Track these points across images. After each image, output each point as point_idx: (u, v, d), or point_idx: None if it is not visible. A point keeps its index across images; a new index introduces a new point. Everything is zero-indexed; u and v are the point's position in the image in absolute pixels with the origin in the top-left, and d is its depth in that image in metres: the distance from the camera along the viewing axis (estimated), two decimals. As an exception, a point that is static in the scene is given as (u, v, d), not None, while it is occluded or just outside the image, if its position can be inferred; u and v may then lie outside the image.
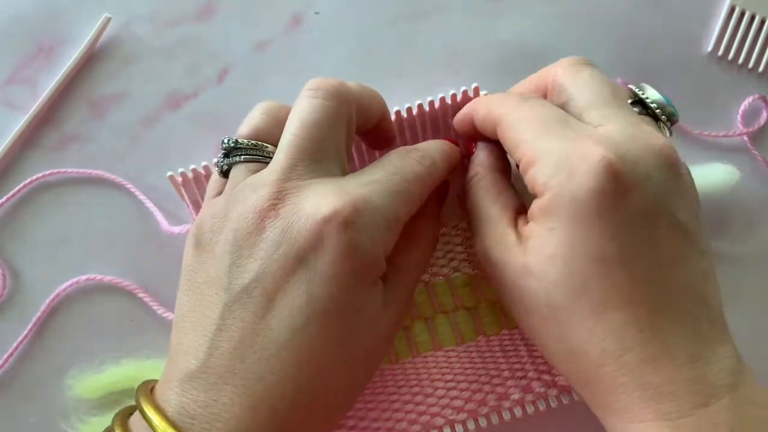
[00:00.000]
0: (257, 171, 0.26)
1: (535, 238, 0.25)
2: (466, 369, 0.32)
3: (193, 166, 0.33)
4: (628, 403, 0.24)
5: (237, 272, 0.24)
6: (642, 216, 0.24)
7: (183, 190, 0.33)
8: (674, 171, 0.25)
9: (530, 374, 0.32)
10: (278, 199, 0.24)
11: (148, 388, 0.25)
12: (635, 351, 0.24)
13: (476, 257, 0.32)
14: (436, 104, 0.33)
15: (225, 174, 0.28)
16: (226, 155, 0.28)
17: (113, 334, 0.35)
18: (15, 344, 0.35)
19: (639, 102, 0.28)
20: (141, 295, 0.35)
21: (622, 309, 0.24)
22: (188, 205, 0.34)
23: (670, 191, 0.25)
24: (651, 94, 0.28)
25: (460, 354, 0.32)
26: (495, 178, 0.29)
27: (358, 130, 0.29)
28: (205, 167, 0.33)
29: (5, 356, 0.35)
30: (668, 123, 0.28)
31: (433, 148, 0.29)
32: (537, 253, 0.25)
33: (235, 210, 0.25)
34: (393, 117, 0.33)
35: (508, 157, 0.31)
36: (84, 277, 0.35)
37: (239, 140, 0.27)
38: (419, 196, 0.27)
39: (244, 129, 0.28)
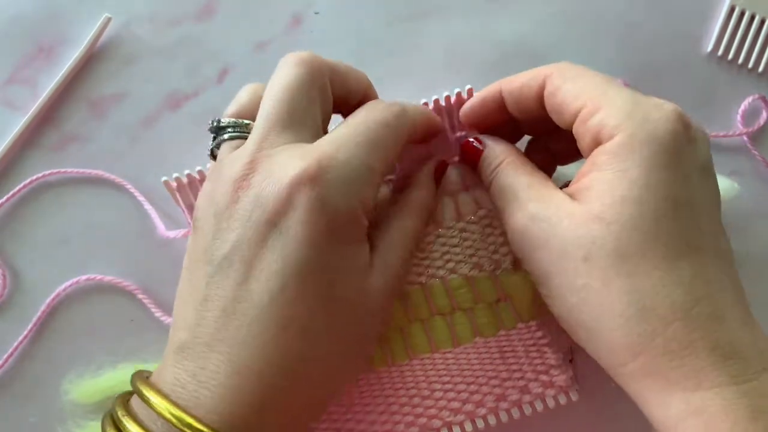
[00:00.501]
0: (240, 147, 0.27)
1: (602, 183, 0.25)
2: (463, 371, 0.32)
3: (187, 171, 0.33)
4: (694, 367, 0.23)
5: (217, 244, 0.25)
6: (702, 168, 0.25)
7: (178, 195, 0.33)
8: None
9: (528, 375, 0.32)
10: (250, 168, 0.25)
11: (144, 374, 0.26)
12: (703, 305, 0.23)
13: (472, 258, 0.32)
14: (430, 105, 0.33)
15: (216, 157, 0.29)
16: (214, 138, 0.29)
17: (113, 334, 0.35)
18: (15, 344, 0.35)
19: None
20: (140, 296, 0.35)
21: (690, 257, 0.23)
22: (183, 210, 0.34)
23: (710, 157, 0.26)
24: None
25: (457, 356, 0.32)
26: (524, 160, 0.29)
27: (343, 106, 0.29)
28: (200, 172, 0.33)
29: (5, 356, 0.35)
30: None
31: (406, 101, 0.29)
32: (605, 197, 0.24)
33: (217, 187, 0.26)
34: None
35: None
36: (84, 277, 0.35)
37: (222, 119, 0.28)
38: (390, 144, 0.27)
39: (228, 109, 0.29)
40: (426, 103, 0.33)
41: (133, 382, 0.25)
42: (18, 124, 0.37)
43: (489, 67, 0.37)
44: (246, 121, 0.28)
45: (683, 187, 0.24)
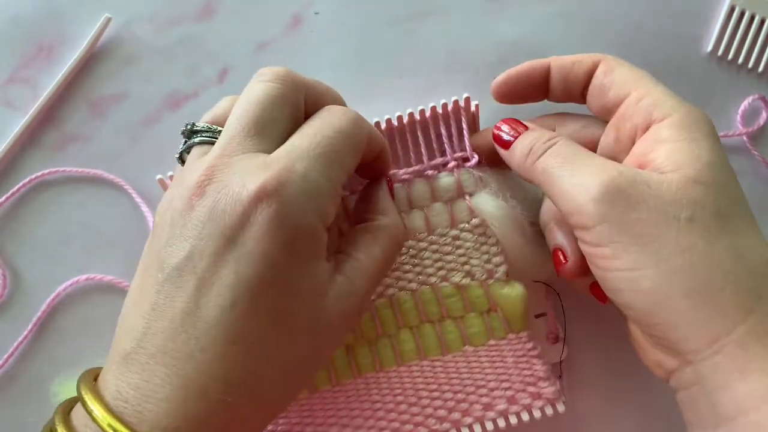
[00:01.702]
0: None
1: (682, 151, 0.26)
2: (451, 379, 0.32)
3: None
4: None
5: (169, 251, 0.24)
6: None
7: None
8: None
9: (516, 386, 0.31)
10: (208, 176, 0.24)
11: (92, 376, 0.25)
12: None
13: (465, 267, 0.32)
14: (427, 112, 0.33)
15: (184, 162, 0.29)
16: (185, 142, 0.28)
17: (113, 334, 0.35)
18: (15, 344, 0.35)
19: None
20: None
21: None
22: None
23: None
24: None
25: (446, 363, 0.32)
26: (579, 146, 0.29)
27: None
28: None
29: (5, 356, 0.35)
30: None
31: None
32: (694, 163, 0.26)
33: (176, 192, 0.25)
34: (384, 125, 0.33)
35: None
36: (84, 277, 0.35)
37: (196, 124, 0.28)
38: (349, 153, 0.26)
39: (205, 116, 0.28)
40: (423, 110, 0.33)
41: (78, 386, 0.24)
42: (18, 124, 0.37)
43: (489, 66, 0.37)
44: (219, 128, 0.27)
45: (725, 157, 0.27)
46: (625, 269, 0.25)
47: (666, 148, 0.26)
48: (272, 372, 0.24)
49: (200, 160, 0.26)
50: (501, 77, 0.32)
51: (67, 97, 0.37)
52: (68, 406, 0.25)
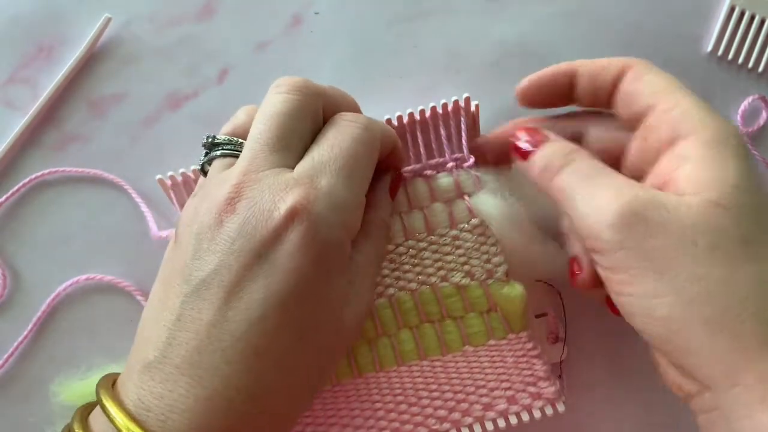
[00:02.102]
0: (232, 166, 0.27)
1: (708, 172, 0.25)
2: (451, 379, 0.32)
3: (182, 170, 0.33)
4: None
5: (197, 264, 0.24)
6: None
7: (172, 193, 0.33)
8: None
9: (516, 386, 0.31)
10: (237, 193, 0.25)
11: (110, 381, 0.25)
12: None
13: (464, 267, 0.32)
14: (427, 113, 0.33)
15: (206, 173, 0.29)
16: (206, 153, 0.29)
17: (113, 334, 0.35)
18: (15, 344, 0.35)
19: None
20: (139, 297, 0.35)
21: None
22: (177, 208, 0.34)
23: None
24: None
25: (446, 363, 0.32)
26: (599, 162, 0.27)
27: None
28: (195, 171, 0.33)
29: (5, 356, 0.35)
30: None
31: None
32: (719, 186, 0.24)
33: (203, 205, 0.26)
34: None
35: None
36: (84, 277, 0.35)
37: (217, 136, 0.28)
38: (367, 162, 0.27)
39: (224, 128, 0.29)
40: (423, 110, 0.33)
41: (98, 393, 0.24)
42: (18, 124, 0.37)
43: (489, 67, 0.37)
44: (240, 141, 0.28)
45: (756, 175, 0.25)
46: (641, 296, 0.25)
47: (690, 168, 0.25)
48: (295, 382, 0.25)
49: (225, 174, 0.26)
50: (524, 83, 0.31)
51: (67, 97, 0.37)
52: (86, 411, 0.25)
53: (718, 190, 0.24)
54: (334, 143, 0.26)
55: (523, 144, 0.29)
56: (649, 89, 0.27)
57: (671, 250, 0.24)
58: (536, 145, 0.29)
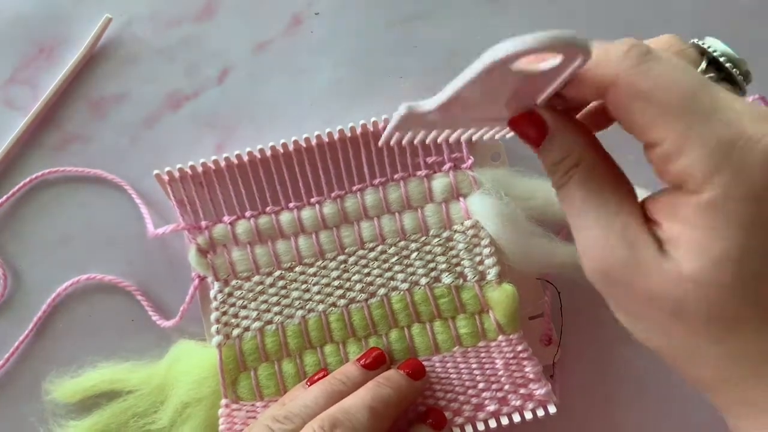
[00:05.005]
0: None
1: (691, 241, 0.22)
2: (441, 379, 0.32)
3: (179, 165, 0.33)
4: None
5: None
6: None
7: (169, 189, 0.33)
8: None
9: (507, 387, 0.32)
10: None
11: None
12: None
13: (456, 268, 0.32)
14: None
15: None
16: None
17: (113, 334, 0.35)
18: (15, 344, 0.35)
19: (711, 62, 0.25)
20: (139, 297, 0.35)
21: None
22: (174, 204, 0.34)
23: None
24: (723, 50, 0.24)
25: (435, 364, 0.32)
26: (603, 162, 0.24)
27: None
28: (192, 166, 0.33)
29: (5, 356, 0.35)
30: (744, 84, 0.25)
31: (395, 373, 0.31)
32: (697, 258, 0.21)
33: None
34: (383, 125, 0.33)
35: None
36: (84, 277, 0.35)
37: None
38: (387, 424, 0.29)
39: None
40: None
41: None
42: (19, 124, 0.37)
43: (489, 67, 0.37)
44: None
45: None
46: (631, 331, 0.25)
47: (680, 231, 0.22)
48: None
49: None
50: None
51: (67, 97, 0.37)
52: None
53: (694, 264, 0.21)
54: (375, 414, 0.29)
55: (528, 128, 0.25)
56: (644, 124, 0.22)
57: (633, 304, 0.24)
58: (537, 143, 0.25)
